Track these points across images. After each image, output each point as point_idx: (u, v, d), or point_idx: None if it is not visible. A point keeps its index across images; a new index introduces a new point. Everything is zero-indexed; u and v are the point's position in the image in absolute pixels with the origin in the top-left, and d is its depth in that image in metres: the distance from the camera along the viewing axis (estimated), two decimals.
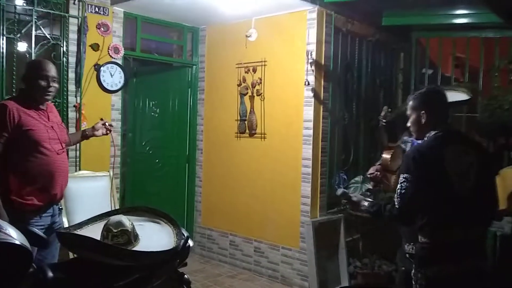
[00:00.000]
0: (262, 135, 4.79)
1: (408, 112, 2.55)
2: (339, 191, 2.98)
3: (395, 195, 2.39)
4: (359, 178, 4.66)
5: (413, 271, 2.45)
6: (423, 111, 2.46)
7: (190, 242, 2.29)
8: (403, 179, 2.36)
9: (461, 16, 4.72)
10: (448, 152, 2.38)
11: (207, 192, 5.42)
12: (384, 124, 3.85)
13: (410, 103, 2.54)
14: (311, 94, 4.37)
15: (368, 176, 3.72)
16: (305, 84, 4.37)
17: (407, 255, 2.56)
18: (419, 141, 2.62)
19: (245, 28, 4.60)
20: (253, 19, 4.60)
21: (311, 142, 4.40)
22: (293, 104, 4.53)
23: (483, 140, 4.61)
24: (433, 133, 2.44)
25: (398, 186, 2.39)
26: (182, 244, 2.19)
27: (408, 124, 2.57)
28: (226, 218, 5.20)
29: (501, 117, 4.48)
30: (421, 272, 2.40)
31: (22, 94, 2.90)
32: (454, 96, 4.01)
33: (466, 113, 4.84)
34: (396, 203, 2.38)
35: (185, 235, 2.26)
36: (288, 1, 4.13)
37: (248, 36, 4.54)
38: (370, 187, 4.52)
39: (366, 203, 2.68)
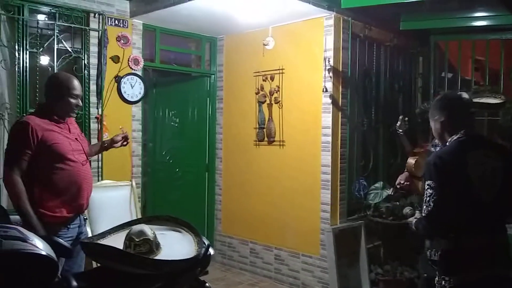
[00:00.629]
0: (281, 143, 4.79)
1: (430, 119, 2.53)
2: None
3: (424, 204, 2.36)
4: (379, 185, 4.63)
5: (436, 278, 2.42)
6: (443, 118, 2.44)
7: (211, 251, 2.30)
8: (427, 186, 2.34)
9: (480, 19, 4.66)
10: (470, 157, 2.34)
11: (226, 200, 5.45)
12: (401, 133, 3.81)
13: (431, 110, 2.52)
14: (329, 101, 4.37)
15: (398, 186, 3.66)
16: (323, 91, 4.37)
17: (429, 262, 2.53)
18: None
19: (262, 37, 4.64)
20: (270, 28, 4.64)
21: (330, 148, 4.39)
22: (311, 111, 4.53)
23: (506, 143, 4.54)
24: (455, 137, 2.40)
25: (425, 193, 2.36)
26: (203, 253, 2.20)
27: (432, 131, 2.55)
28: (246, 226, 5.21)
29: None
30: (445, 280, 2.37)
31: (43, 108, 2.91)
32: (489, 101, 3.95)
33: (488, 117, 4.76)
34: (424, 212, 2.35)
35: (206, 243, 2.27)
36: (304, 8, 4.15)
37: (266, 45, 4.58)
38: (391, 193, 4.49)
39: (411, 219, 2.62)
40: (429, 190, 2.32)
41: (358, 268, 4.53)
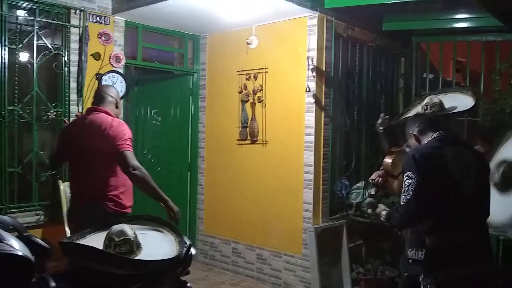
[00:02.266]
0: (264, 142, 4.79)
1: (406, 132, 2.73)
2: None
3: (402, 194, 2.44)
4: (361, 184, 4.66)
5: (422, 276, 2.45)
6: (414, 133, 2.64)
7: (193, 250, 2.29)
8: (406, 177, 2.43)
9: (462, 20, 4.72)
10: (448, 151, 2.46)
11: (209, 200, 5.42)
12: (382, 131, 3.83)
13: (407, 124, 2.73)
14: (313, 101, 4.38)
15: (370, 181, 3.72)
16: (306, 91, 4.38)
17: (410, 260, 2.56)
18: None
19: (246, 36, 4.62)
20: (253, 26, 4.62)
21: (313, 148, 4.40)
22: (295, 111, 4.53)
23: (486, 144, 4.61)
24: (434, 135, 2.54)
25: (403, 184, 2.45)
26: (184, 253, 2.19)
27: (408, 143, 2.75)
28: (228, 225, 5.19)
29: (503, 121, 4.47)
30: (431, 277, 2.42)
31: None
32: (459, 99, 4.00)
33: (468, 117, 4.83)
34: (402, 200, 2.44)
35: (188, 243, 2.26)
36: (288, 8, 4.15)
37: (249, 43, 4.56)
38: (373, 192, 4.52)
39: (384, 212, 2.71)
40: (408, 180, 2.41)
41: (339, 267, 4.55)
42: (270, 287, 4.76)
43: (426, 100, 3.50)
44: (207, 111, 5.42)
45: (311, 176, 4.42)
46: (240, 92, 4.95)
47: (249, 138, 4.90)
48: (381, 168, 3.74)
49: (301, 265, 4.53)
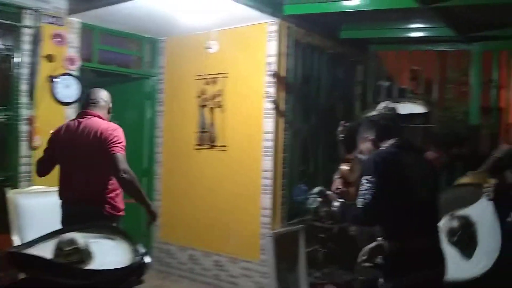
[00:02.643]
0: (223, 147, 4.76)
1: (360, 138, 2.71)
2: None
3: (359, 197, 2.44)
4: (318, 189, 4.68)
5: (381, 280, 2.48)
6: (371, 137, 2.63)
7: (147, 259, 2.24)
8: (365, 180, 2.43)
9: (417, 30, 4.85)
10: (406, 157, 2.51)
11: (166, 206, 5.32)
12: (342, 138, 3.87)
13: (362, 130, 2.71)
14: (272, 106, 4.39)
15: (336, 192, 3.69)
16: (265, 96, 4.38)
17: (365, 264, 2.59)
18: None
19: (206, 40, 4.59)
20: (213, 31, 4.59)
21: (272, 153, 4.41)
22: (254, 116, 4.53)
23: (438, 150, 4.75)
24: (391, 142, 2.56)
25: (360, 188, 2.45)
26: (138, 261, 2.14)
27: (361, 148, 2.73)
28: (185, 232, 5.11)
29: (455, 128, 4.63)
30: (391, 281, 2.45)
31: None
32: (411, 108, 4.12)
33: (422, 124, 4.96)
34: (359, 203, 2.42)
35: (142, 251, 2.21)
36: (249, 13, 4.15)
37: (209, 48, 4.53)
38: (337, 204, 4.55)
39: (336, 203, 2.73)
40: (367, 184, 2.42)
41: (297, 272, 4.57)
42: None
43: (383, 105, 3.58)
44: (165, 115, 5.34)
45: (270, 182, 4.42)
46: (199, 97, 4.90)
47: (207, 143, 4.86)
48: (338, 176, 3.76)
49: (258, 271, 4.51)
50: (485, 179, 3.55)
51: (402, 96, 5.10)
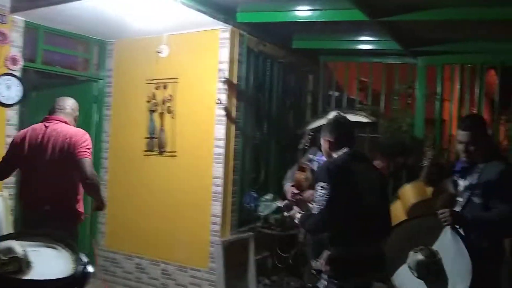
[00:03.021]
0: (172, 153, 4.67)
1: (320, 138, 2.80)
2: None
3: (314, 204, 2.53)
4: (269, 197, 4.70)
5: (325, 283, 2.53)
6: (330, 139, 2.71)
7: (90, 268, 2.14)
8: (320, 187, 2.51)
9: (365, 43, 4.98)
10: (357, 166, 2.62)
11: (112, 213, 5.14)
12: (306, 147, 3.86)
13: (322, 131, 2.80)
14: (223, 113, 4.37)
15: (292, 200, 3.67)
16: (217, 103, 4.35)
17: (313, 271, 2.64)
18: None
19: (157, 44, 4.51)
20: (164, 35, 4.52)
21: (223, 161, 4.37)
22: (205, 122, 4.48)
23: (385, 160, 4.89)
24: (344, 150, 2.66)
25: (315, 194, 2.53)
26: (80, 271, 2.04)
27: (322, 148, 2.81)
28: (132, 240, 4.97)
29: (400, 138, 4.79)
30: (336, 285, 2.53)
31: None
32: (354, 118, 4.23)
33: (369, 134, 5.10)
34: (315, 210, 2.51)
35: (84, 260, 2.12)
36: (201, 19, 4.11)
37: (159, 52, 4.46)
38: (280, 205, 4.58)
39: (298, 215, 2.82)
40: (321, 190, 2.49)
41: (246, 279, 4.54)
42: None
43: (334, 113, 3.63)
44: (112, 120, 5.19)
45: (220, 189, 4.38)
46: (148, 102, 4.79)
47: (156, 149, 4.75)
48: (291, 184, 3.75)
49: (207, 279, 4.45)
50: (424, 189, 3.67)
51: (351, 106, 5.22)
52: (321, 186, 2.51)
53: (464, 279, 2.43)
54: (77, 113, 3.46)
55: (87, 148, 3.12)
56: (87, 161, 3.07)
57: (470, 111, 4.73)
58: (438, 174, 3.33)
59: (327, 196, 2.46)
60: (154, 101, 4.76)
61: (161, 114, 4.73)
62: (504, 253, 2.90)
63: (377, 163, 4.74)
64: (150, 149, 4.80)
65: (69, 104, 3.38)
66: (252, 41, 4.66)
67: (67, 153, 3.07)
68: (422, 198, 3.24)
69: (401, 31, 4.26)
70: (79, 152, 3.06)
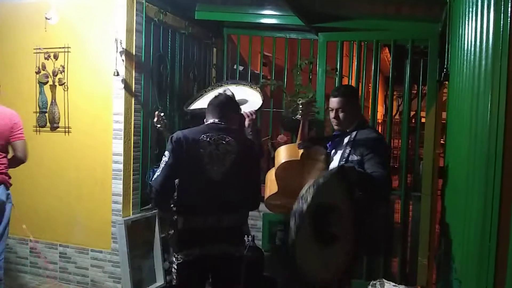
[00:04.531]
0: (66, 129, 4.36)
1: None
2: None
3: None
4: None
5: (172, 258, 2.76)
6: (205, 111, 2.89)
7: None
8: (163, 157, 2.66)
9: (269, 17, 4.96)
10: (208, 138, 2.66)
11: None
12: (160, 129, 3.74)
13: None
14: (122, 86, 4.12)
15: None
16: (114, 75, 4.08)
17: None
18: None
19: (45, 9, 4.11)
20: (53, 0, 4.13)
21: (122, 136, 4.15)
22: (102, 96, 4.21)
23: (287, 134, 4.98)
24: (208, 122, 2.81)
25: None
26: None
27: None
28: (25, 223, 4.56)
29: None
30: (175, 256, 2.67)
31: None
32: (249, 93, 4.21)
33: (273, 109, 5.14)
34: (153, 180, 2.67)
35: None
36: None
37: (48, 18, 4.07)
38: None
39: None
40: (164, 158, 2.64)
41: (152, 258, 4.43)
42: (75, 287, 4.39)
43: (220, 91, 3.60)
44: None
45: (121, 166, 4.17)
46: (37, 73, 4.39)
47: (48, 124, 4.40)
48: None
49: (110, 260, 4.27)
50: (297, 151, 3.49)
51: (256, 80, 5.20)
52: (164, 154, 2.64)
53: None
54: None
55: (22, 130, 3.65)
56: (24, 142, 3.64)
57: (367, 87, 4.94)
58: (312, 139, 3.28)
59: (164, 164, 2.60)
60: (43, 72, 4.37)
61: (53, 87, 4.36)
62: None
63: (281, 137, 4.82)
64: (41, 124, 4.43)
65: None
66: (152, 9, 4.42)
67: (8, 132, 3.56)
68: (291, 159, 3.16)
69: (303, 7, 4.29)
70: (20, 133, 3.61)
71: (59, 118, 4.36)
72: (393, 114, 5.05)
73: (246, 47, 5.35)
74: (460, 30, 2.55)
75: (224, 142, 2.69)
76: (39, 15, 4.16)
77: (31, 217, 4.56)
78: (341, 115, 2.88)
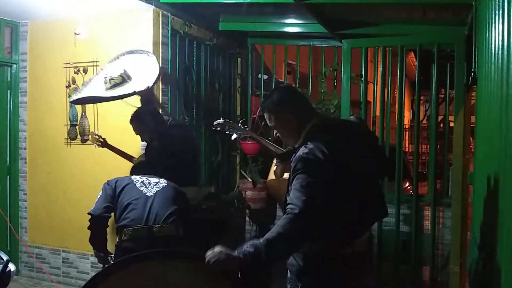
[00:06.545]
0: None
1: None
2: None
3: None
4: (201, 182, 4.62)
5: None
6: None
7: (11, 266, 2.00)
8: None
9: (292, 25, 4.99)
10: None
11: (33, 207, 4.85)
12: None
13: None
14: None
15: None
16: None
17: None
18: None
19: (74, 25, 4.25)
20: (83, 16, 4.26)
21: None
22: (130, 108, 4.29)
23: None
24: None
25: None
26: (0, 270, 1.89)
27: None
28: (58, 233, 4.72)
29: None
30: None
31: None
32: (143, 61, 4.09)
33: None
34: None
35: (5, 259, 1.97)
36: None
37: (78, 34, 4.20)
38: (213, 190, 4.52)
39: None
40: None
41: None
42: None
43: (116, 63, 3.61)
44: (29, 107, 4.84)
45: None
46: (67, 87, 4.52)
47: (79, 137, 4.52)
48: None
49: None
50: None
51: None
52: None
53: None
54: None
55: None
56: None
57: (392, 92, 4.90)
58: (281, 155, 2.96)
59: None
60: (74, 86, 4.49)
61: None
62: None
63: None
64: (72, 137, 4.56)
65: None
66: (177, 22, 4.51)
67: None
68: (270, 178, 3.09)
69: (326, 14, 4.30)
70: None
71: (89, 130, 4.47)
72: (420, 119, 4.98)
73: (270, 56, 5.40)
74: (487, 33, 2.52)
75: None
76: (69, 31, 4.30)
77: (63, 227, 4.68)
78: (275, 131, 2.32)
